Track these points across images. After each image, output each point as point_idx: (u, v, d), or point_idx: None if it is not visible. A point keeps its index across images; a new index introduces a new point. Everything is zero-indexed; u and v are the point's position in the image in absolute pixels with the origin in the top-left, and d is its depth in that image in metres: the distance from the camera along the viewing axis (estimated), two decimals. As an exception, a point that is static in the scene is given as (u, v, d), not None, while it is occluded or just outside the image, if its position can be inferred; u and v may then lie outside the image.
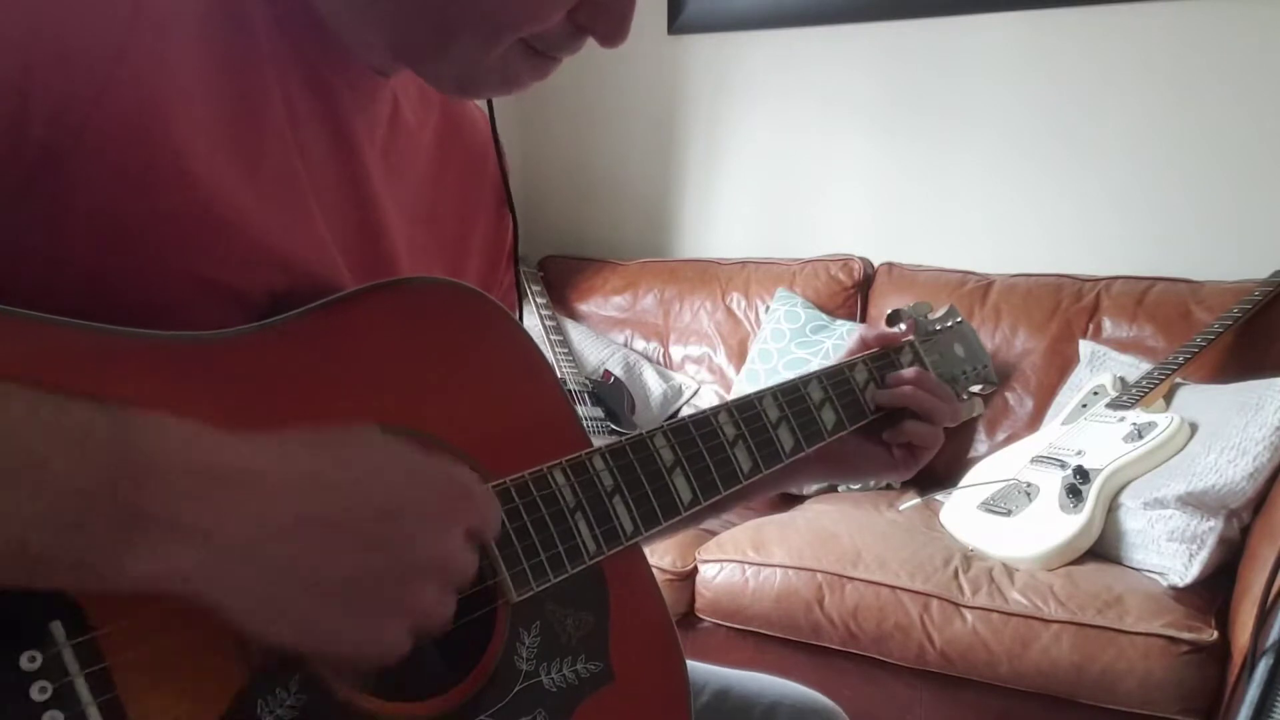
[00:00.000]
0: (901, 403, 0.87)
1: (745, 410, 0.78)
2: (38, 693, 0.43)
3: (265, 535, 0.46)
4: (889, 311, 0.96)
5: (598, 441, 0.68)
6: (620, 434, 0.70)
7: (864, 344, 0.93)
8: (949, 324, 0.98)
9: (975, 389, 0.96)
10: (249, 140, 0.57)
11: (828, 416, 0.83)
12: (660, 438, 0.71)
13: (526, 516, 0.61)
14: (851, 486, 2.23)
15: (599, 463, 0.66)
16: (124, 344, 0.49)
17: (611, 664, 0.63)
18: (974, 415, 0.94)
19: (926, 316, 0.96)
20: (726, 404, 0.77)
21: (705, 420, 0.75)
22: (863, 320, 2.46)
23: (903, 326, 0.95)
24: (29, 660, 0.43)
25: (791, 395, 0.81)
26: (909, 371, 0.89)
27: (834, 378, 0.85)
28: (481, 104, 0.78)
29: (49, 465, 0.41)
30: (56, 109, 0.49)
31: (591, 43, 0.63)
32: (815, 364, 2.17)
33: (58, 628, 0.44)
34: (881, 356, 0.91)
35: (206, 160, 0.54)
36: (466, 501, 0.54)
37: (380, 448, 0.53)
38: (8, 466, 0.41)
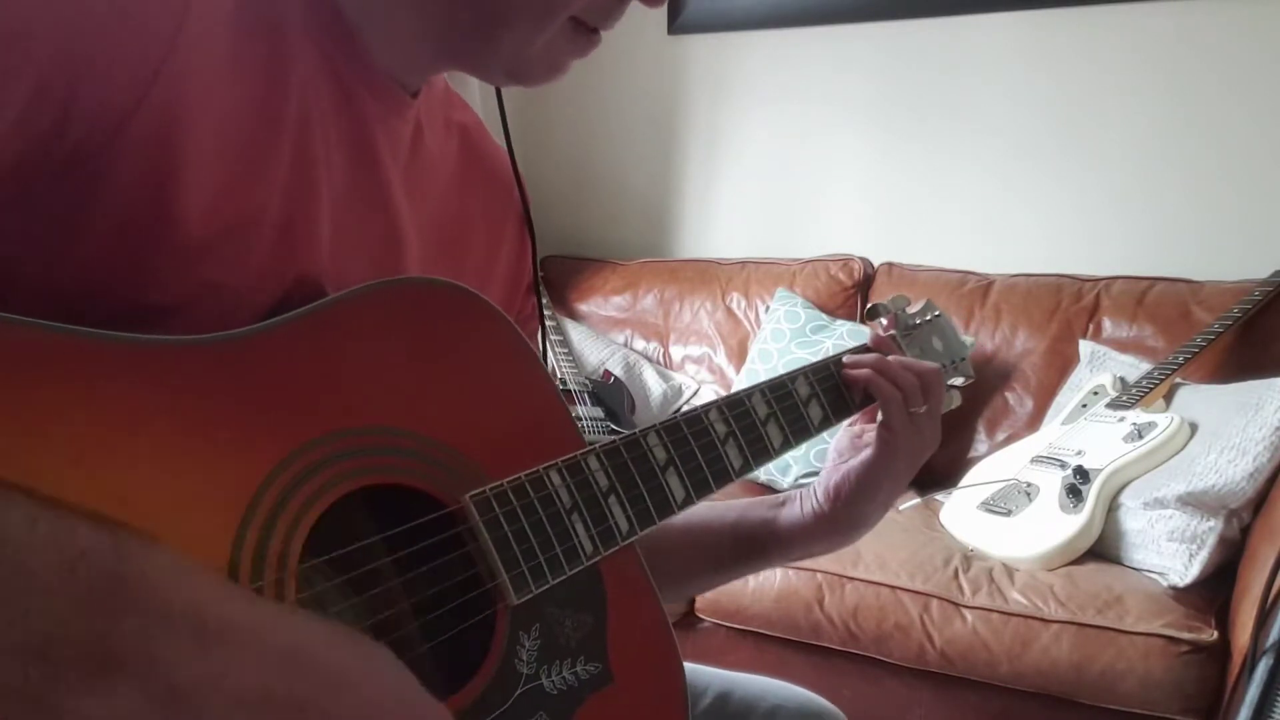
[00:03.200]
0: (863, 380, 0.84)
1: (735, 408, 0.78)
2: None
3: (225, 695, 0.43)
4: (868, 307, 0.96)
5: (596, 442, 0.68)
6: (619, 434, 0.70)
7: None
8: (928, 317, 0.98)
9: (955, 382, 0.96)
10: (273, 151, 0.57)
11: (814, 412, 0.83)
12: (653, 436, 0.71)
13: (524, 518, 0.61)
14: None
15: (594, 463, 0.66)
16: (116, 349, 0.49)
17: (610, 665, 0.63)
18: (951, 408, 0.92)
19: (905, 310, 0.96)
20: (717, 401, 0.77)
21: (697, 418, 0.75)
22: (863, 321, 2.46)
23: (884, 321, 0.95)
24: None
25: (779, 392, 0.81)
26: (868, 356, 0.86)
27: (820, 373, 0.85)
28: (496, 131, 0.78)
29: (35, 590, 0.39)
30: (92, 119, 0.49)
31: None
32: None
33: None
34: (865, 350, 0.90)
35: (224, 170, 0.54)
36: None
37: (384, 660, 0.50)
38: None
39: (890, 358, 0.86)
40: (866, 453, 0.83)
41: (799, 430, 0.82)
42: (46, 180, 0.49)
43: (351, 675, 0.47)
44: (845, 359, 0.87)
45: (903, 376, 0.83)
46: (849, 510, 0.83)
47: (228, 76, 0.55)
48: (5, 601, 0.39)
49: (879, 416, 0.83)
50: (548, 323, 2.54)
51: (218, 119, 0.54)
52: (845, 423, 0.87)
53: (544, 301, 2.64)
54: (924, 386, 0.83)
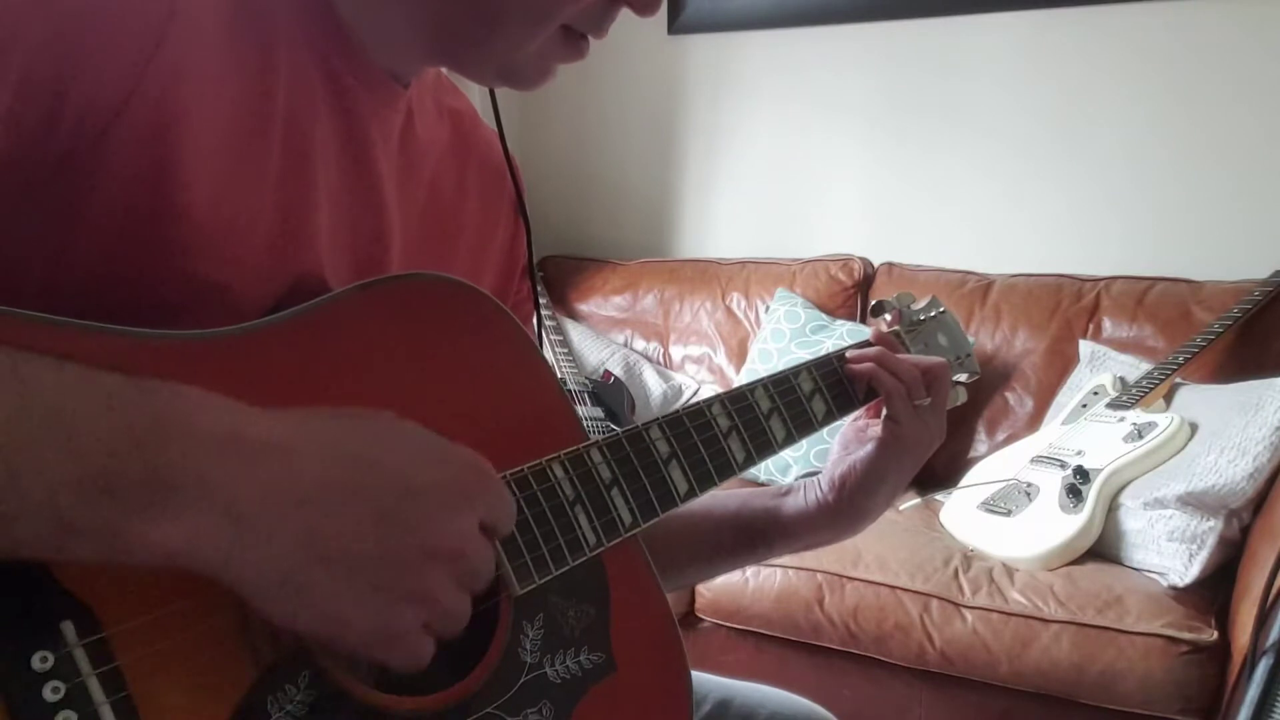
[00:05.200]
0: (866, 374, 0.85)
1: (738, 402, 0.78)
2: (50, 693, 0.43)
3: (286, 503, 0.46)
4: (873, 303, 0.96)
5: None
6: (620, 434, 0.71)
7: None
8: (932, 314, 0.98)
9: (960, 378, 0.96)
10: (260, 144, 0.57)
11: (818, 407, 0.84)
12: (656, 430, 0.71)
13: (528, 510, 0.62)
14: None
15: (596, 455, 0.67)
16: (118, 342, 0.49)
17: (613, 655, 0.63)
18: (957, 404, 0.92)
19: (910, 307, 0.97)
20: (720, 396, 0.77)
21: (699, 412, 0.75)
22: (863, 321, 2.46)
23: (888, 318, 0.95)
24: (40, 660, 0.43)
25: (782, 386, 0.82)
26: (871, 350, 0.87)
27: (823, 368, 0.85)
28: (490, 121, 0.78)
29: (78, 425, 0.41)
30: (84, 114, 0.49)
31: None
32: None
33: (69, 628, 0.44)
34: (867, 345, 0.91)
35: (217, 165, 0.54)
36: (485, 489, 0.54)
37: (402, 427, 0.53)
38: (38, 426, 0.41)
39: (884, 353, 0.86)
40: (871, 445, 0.83)
41: (802, 424, 0.82)
42: (43, 178, 0.49)
43: (390, 451, 0.51)
44: (849, 353, 0.87)
45: (905, 370, 0.83)
46: (853, 501, 0.83)
47: (220, 71, 0.54)
48: (50, 441, 0.41)
49: (883, 411, 0.83)
50: (547, 323, 2.54)
51: (212, 114, 0.54)
52: (849, 417, 0.87)
53: (544, 301, 2.64)
54: (927, 380, 0.84)
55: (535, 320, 0.82)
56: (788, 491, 0.86)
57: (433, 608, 0.50)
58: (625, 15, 0.64)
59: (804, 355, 2.32)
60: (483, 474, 0.54)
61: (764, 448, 0.78)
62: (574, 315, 2.75)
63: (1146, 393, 1.92)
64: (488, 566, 0.53)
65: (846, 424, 0.88)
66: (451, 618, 0.51)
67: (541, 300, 2.64)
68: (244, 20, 0.56)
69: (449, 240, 0.74)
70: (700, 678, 0.87)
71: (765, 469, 2.20)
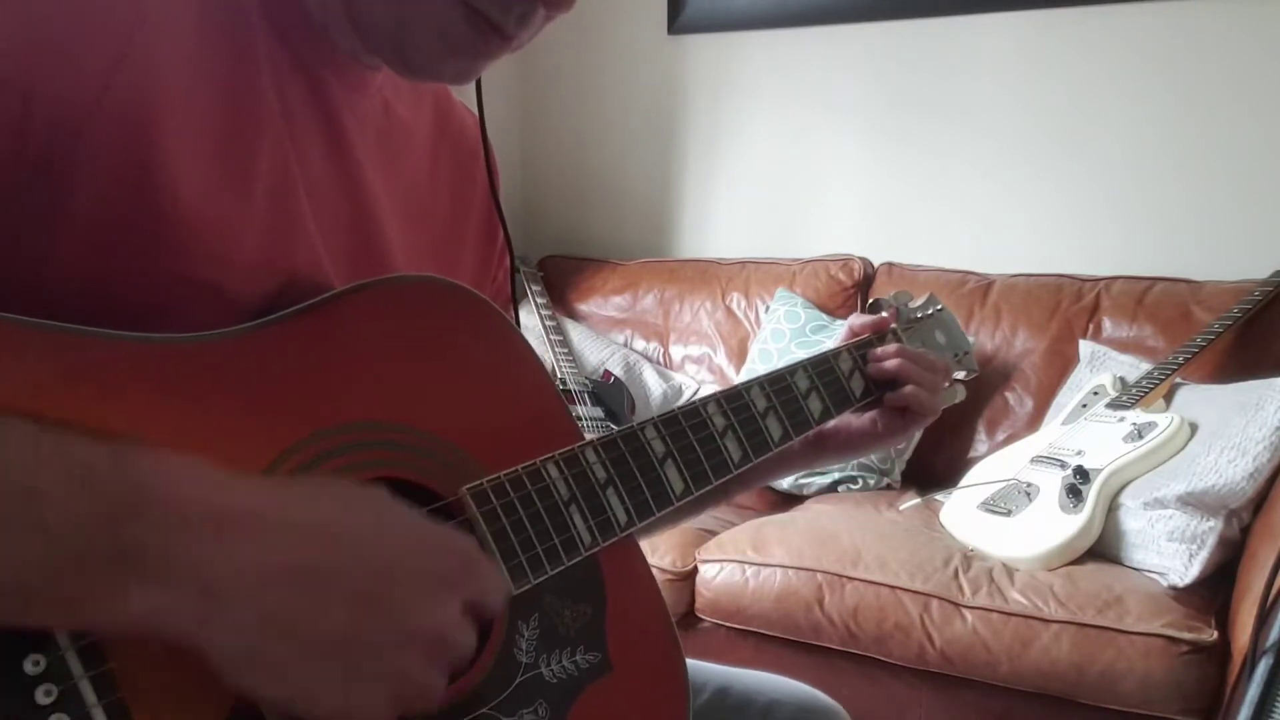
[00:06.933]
0: (891, 375, 0.89)
1: (734, 401, 0.78)
2: (43, 696, 0.43)
3: (257, 579, 0.45)
4: (870, 301, 0.97)
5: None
6: (619, 433, 0.70)
7: (853, 333, 0.94)
8: (930, 311, 0.98)
9: (959, 375, 0.97)
10: (243, 141, 0.57)
11: (814, 405, 0.84)
12: (651, 429, 0.71)
13: (522, 510, 0.62)
14: (851, 488, 2.22)
15: (591, 455, 0.67)
16: (107, 347, 0.49)
17: (609, 655, 0.63)
18: (955, 401, 0.94)
19: (907, 305, 0.97)
20: (715, 395, 0.77)
21: (695, 411, 0.75)
22: (863, 319, 2.46)
23: (885, 315, 0.96)
24: (33, 664, 0.43)
25: (778, 385, 0.82)
26: (891, 347, 0.91)
27: (819, 366, 0.86)
28: (472, 105, 0.78)
29: (48, 501, 0.41)
30: (57, 113, 0.49)
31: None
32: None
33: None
34: (865, 345, 0.92)
35: (201, 163, 0.54)
36: (469, 573, 0.53)
37: (390, 507, 0.52)
38: (8, 506, 0.40)
39: (906, 348, 0.90)
40: (879, 423, 0.88)
41: (799, 423, 0.82)
42: (22, 181, 0.49)
43: (370, 533, 0.49)
44: (875, 351, 0.90)
45: (932, 365, 0.87)
46: (817, 457, 0.89)
47: (195, 69, 0.54)
48: (18, 519, 0.40)
49: (905, 399, 0.87)
50: (547, 322, 2.54)
51: (192, 112, 0.54)
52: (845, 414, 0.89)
53: (543, 301, 2.64)
54: (944, 377, 0.88)
55: (514, 307, 0.82)
56: None
57: (404, 686, 0.49)
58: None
59: (804, 355, 2.31)
60: (470, 560, 0.53)
61: (760, 447, 0.79)
62: (574, 315, 2.75)
63: (1146, 393, 1.92)
64: (468, 648, 0.52)
65: None
66: (424, 696, 0.50)
67: (541, 300, 2.65)
68: (214, 18, 0.56)
69: (427, 220, 0.74)
70: (698, 666, 0.87)
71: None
